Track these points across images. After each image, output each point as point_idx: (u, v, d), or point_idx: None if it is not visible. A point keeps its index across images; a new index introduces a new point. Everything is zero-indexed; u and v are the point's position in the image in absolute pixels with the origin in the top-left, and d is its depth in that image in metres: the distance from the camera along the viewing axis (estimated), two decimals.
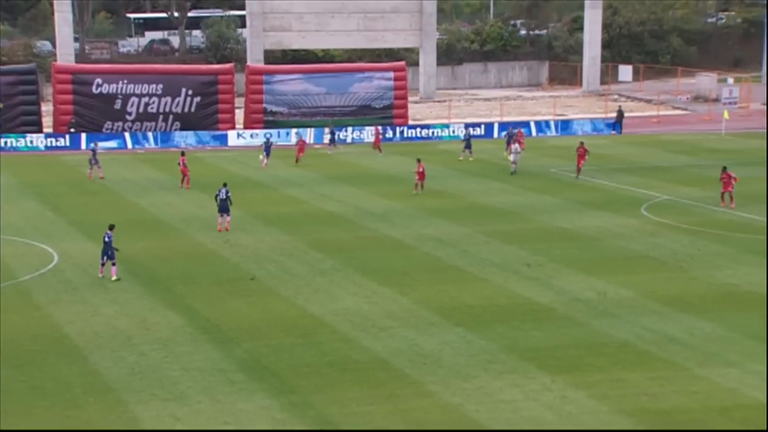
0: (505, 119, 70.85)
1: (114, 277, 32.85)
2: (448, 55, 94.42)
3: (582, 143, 51.95)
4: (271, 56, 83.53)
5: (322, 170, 54.75)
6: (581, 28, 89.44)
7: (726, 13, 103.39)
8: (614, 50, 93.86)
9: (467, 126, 64.51)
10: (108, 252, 33.01)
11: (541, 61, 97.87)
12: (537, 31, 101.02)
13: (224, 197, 39.73)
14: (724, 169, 43.38)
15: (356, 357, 26.20)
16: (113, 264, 33.04)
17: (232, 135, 65.48)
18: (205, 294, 31.76)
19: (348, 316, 29.41)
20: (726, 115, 66.70)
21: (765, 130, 67.08)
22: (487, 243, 37.82)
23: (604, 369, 25.01)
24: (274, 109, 67.15)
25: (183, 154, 51.16)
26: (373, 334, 27.92)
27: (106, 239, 33.12)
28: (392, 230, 40.29)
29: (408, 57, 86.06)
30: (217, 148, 63.85)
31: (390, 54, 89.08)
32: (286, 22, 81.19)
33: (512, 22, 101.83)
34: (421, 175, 47.12)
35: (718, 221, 40.79)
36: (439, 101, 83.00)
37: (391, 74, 69.10)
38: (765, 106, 76.08)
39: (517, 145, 53.77)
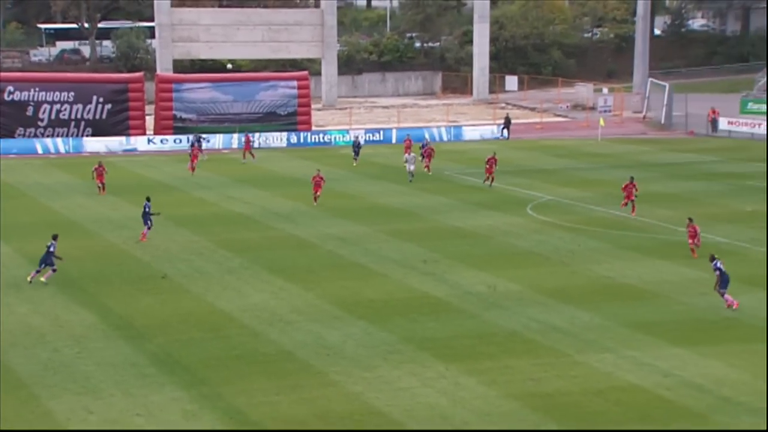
0: (402, 125, 71.19)
1: (43, 280, 31.68)
2: (349, 65, 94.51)
3: (494, 153, 50.53)
4: (180, 65, 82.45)
5: (230, 174, 54.24)
6: (471, 42, 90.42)
7: (600, 29, 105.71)
8: (501, 62, 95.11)
9: (357, 134, 64.49)
10: (48, 260, 31.72)
11: (434, 72, 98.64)
12: (430, 44, 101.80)
13: (147, 210, 37.43)
14: (632, 179, 42.08)
15: (263, 350, 26.02)
16: (53, 270, 31.79)
17: (142, 140, 64.54)
18: (118, 292, 31.15)
19: (256, 312, 29.20)
20: (602, 122, 68.11)
21: (637, 136, 68.87)
22: (387, 241, 37.95)
23: (493, 357, 25.31)
24: (184, 115, 66.37)
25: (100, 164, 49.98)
26: (279, 328, 27.77)
27: (50, 249, 31.76)
28: (297, 230, 40.13)
29: (311, 67, 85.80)
30: (129, 154, 62.74)
31: (294, 64, 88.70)
32: (194, 33, 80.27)
33: (407, 35, 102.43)
34: (317, 186, 44.42)
35: (595, 219, 41.65)
36: (340, 108, 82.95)
37: (295, 83, 68.93)
38: (636, 114, 78.02)
39: (413, 154, 51.78)
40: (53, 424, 21.45)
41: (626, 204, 41.78)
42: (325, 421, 21.61)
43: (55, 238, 32.46)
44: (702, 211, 42.81)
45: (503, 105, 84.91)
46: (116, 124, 64.87)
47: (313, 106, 71.73)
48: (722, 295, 28.65)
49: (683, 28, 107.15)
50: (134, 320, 28.36)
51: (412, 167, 50.40)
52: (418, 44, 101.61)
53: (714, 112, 69.59)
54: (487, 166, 49.35)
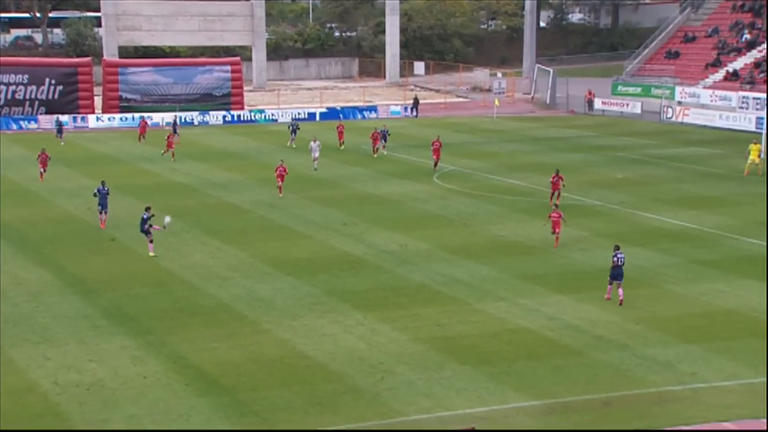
0: (325, 105, 70.71)
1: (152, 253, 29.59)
2: (276, 52, 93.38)
3: (438, 137, 46.33)
4: (124, 51, 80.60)
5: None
6: (383, 31, 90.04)
7: (494, 21, 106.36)
8: (410, 49, 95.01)
9: (294, 116, 63.85)
10: (143, 229, 29.48)
11: (352, 58, 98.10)
12: (348, 33, 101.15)
13: (105, 192, 33.82)
14: (557, 171, 37.26)
15: (203, 303, 25.75)
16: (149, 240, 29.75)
17: (92, 118, 63.17)
18: (71, 253, 30.42)
19: (196, 269, 28.83)
20: (497, 102, 68.66)
21: (527, 114, 69.65)
22: (311, 207, 37.78)
23: (405, 306, 25.48)
24: (129, 96, 65.49)
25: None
26: (217, 283, 27.48)
27: (145, 218, 29.42)
28: (232, 197, 39.66)
29: (243, 53, 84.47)
30: (80, 130, 61.15)
31: (227, 50, 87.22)
32: (137, 23, 78.70)
33: (328, 26, 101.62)
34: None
35: (491, 186, 42.06)
36: (269, 90, 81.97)
37: (229, 68, 68.30)
38: (526, 95, 78.86)
39: (318, 142, 45.89)
40: (15, 370, 20.93)
41: (552, 196, 36.79)
42: (258, 364, 21.53)
43: (148, 209, 30.25)
44: (581, 178, 43.58)
45: (412, 87, 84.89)
46: (67, 103, 63.57)
47: (245, 89, 71.03)
48: (609, 284, 25.69)
49: (564, 21, 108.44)
50: (87, 278, 27.76)
51: (316, 154, 45.51)
52: (337, 34, 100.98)
53: (590, 93, 70.70)
54: (434, 148, 45.20)
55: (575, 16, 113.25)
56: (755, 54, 66.26)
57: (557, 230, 31.10)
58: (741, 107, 60.70)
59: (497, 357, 21.86)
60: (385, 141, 50.45)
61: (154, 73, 66.55)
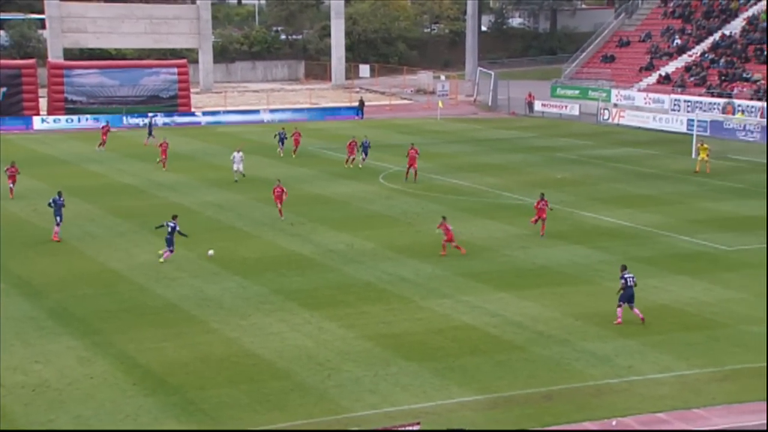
0: (272, 107, 70.29)
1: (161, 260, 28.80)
2: (223, 54, 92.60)
3: (412, 144, 43.99)
4: (70, 54, 79.11)
5: (118, 149, 52.42)
6: (329, 35, 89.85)
7: (437, 25, 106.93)
8: (355, 52, 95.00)
9: (151, 115, 61.06)
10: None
11: (298, 61, 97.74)
12: (294, 36, 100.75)
13: (61, 203, 32.08)
14: (542, 195, 32.96)
15: (151, 303, 25.40)
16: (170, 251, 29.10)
17: (36, 120, 61.91)
18: (17, 255, 29.75)
19: (143, 270, 28.42)
20: (440, 104, 69.03)
21: (469, 116, 70.15)
22: (259, 207, 37.52)
23: (351, 304, 25.45)
24: (74, 98, 64.46)
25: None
26: (165, 284, 27.13)
27: (173, 226, 28.83)
28: (180, 198, 39.19)
29: (189, 56, 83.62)
30: (25, 132, 59.87)
31: (174, 53, 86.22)
32: (82, 25, 77.40)
33: (274, 29, 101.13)
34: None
35: (435, 186, 42.26)
36: (216, 92, 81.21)
37: (175, 70, 67.64)
38: (469, 98, 79.42)
39: (240, 153, 42.97)
40: None
41: (536, 221, 32.77)
42: (206, 363, 21.31)
43: (174, 217, 29.53)
44: (521, 178, 44.05)
45: (358, 89, 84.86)
46: (12, 105, 62.35)
47: (191, 91, 70.31)
48: (618, 306, 23.91)
49: (504, 26, 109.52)
50: (32, 279, 27.17)
51: (240, 166, 42.56)
52: (283, 37, 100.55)
53: (530, 96, 71.51)
54: (409, 158, 42.87)
55: (515, 21, 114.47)
56: (686, 58, 67.73)
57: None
58: (673, 109, 61.98)
59: (442, 353, 21.96)
60: (366, 154, 46.71)
61: (100, 76, 65.65)
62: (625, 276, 23.71)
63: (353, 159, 46.52)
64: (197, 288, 26.74)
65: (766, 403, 19.06)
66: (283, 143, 50.58)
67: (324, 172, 45.90)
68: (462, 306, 25.30)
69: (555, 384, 20.23)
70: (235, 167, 42.69)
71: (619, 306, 23.75)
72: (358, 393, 19.76)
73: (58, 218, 31.87)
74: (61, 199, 32.33)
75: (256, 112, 67.91)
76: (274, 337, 22.89)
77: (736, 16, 69.14)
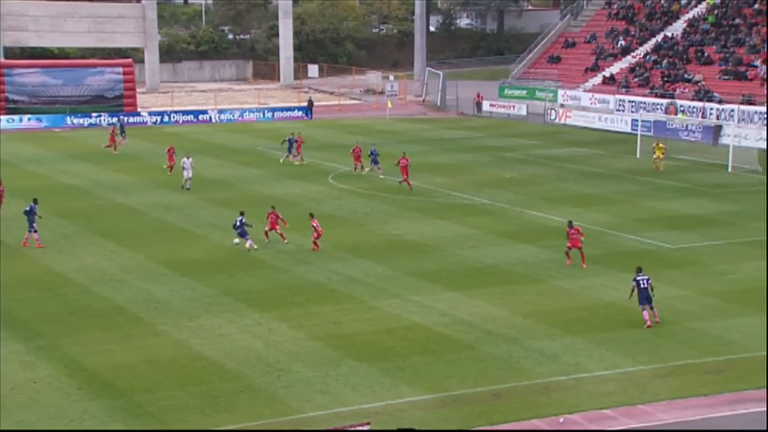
0: (219, 107, 69.71)
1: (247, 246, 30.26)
2: (170, 54, 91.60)
3: (404, 153, 41.78)
4: (10, 52, 77.50)
5: (61, 150, 51.51)
6: (277, 34, 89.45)
7: (385, 25, 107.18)
8: (304, 52, 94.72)
9: (117, 115, 60.58)
10: (242, 231, 30.54)
11: (246, 60, 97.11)
12: (242, 36, 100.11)
13: (35, 212, 31.44)
14: (570, 223, 29.89)
15: (97, 305, 25.00)
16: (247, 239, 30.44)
17: None
18: None
19: (89, 272, 27.97)
20: (389, 104, 69.17)
21: (418, 116, 70.42)
22: (207, 208, 37.20)
23: (301, 305, 25.38)
24: (15, 98, 63.36)
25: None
26: (111, 286, 26.74)
27: (241, 221, 30.55)
28: (126, 199, 38.66)
29: (135, 55, 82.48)
30: None
31: (119, 52, 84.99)
32: (22, 23, 75.95)
33: (221, 28, 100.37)
34: None
35: (384, 187, 42.32)
36: (163, 92, 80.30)
37: (121, 69, 66.78)
38: (417, 98, 79.73)
39: (190, 159, 41.06)
40: None
41: (570, 250, 29.15)
42: (154, 365, 21.06)
43: (242, 214, 30.94)
44: (471, 178, 44.36)
45: (307, 89, 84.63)
46: None
47: (137, 90, 69.41)
48: (642, 309, 23.74)
49: (452, 26, 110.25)
50: None
51: (190, 173, 40.73)
52: (231, 36, 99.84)
53: (479, 96, 72.06)
54: (401, 166, 40.90)
55: (463, 21, 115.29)
56: (629, 59, 68.89)
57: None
58: (618, 109, 63.00)
59: (392, 353, 22.01)
60: (376, 163, 43.36)
61: (43, 75, 64.47)
62: (638, 278, 23.75)
63: (362, 166, 44.46)
64: (144, 290, 26.40)
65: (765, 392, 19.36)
66: (291, 150, 47.47)
67: (273, 172, 45.67)
68: (411, 305, 25.38)
69: (504, 382, 20.43)
70: (185, 174, 40.63)
71: (643, 309, 23.63)
72: (308, 394, 19.71)
73: (29, 227, 30.85)
74: (35, 206, 31.38)
75: (204, 112, 67.28)
76: (223, 339, 22.71)
77: (678, 18, 70.57)
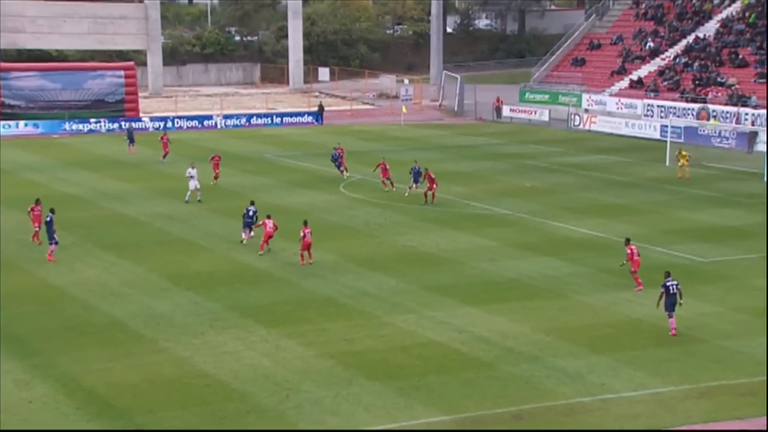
0: (225, 112, 70.02)
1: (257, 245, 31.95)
2: (173, 56, 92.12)
3: (427, 169, 40.67)
4: (6, 55, 78.02)
5: (59, 157, 51.85)
6: (286, 36, 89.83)
7: (400, 26, 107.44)
8: (314, 55, 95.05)
9: (128, 121, 61.45)
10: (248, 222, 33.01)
11: (254, 63, 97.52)
12: (249, 37, 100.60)
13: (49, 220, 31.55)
14: (628, 241, 29.06)
15: (96, 321, 25.10)
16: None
17: None
18: None
19: (88, 286, 28.10)
20: (404, 109, 69.30)
21: (435, 122, 70.50)
22: (212, 218, 37.33)
23: (311, 321, 25.40)
24: (12, 102, 63.73)
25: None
26: (111, 300, 26.85)
27: (250, 213, 33.04)
28: (127, 209, 38.85)
29: (137, 58, 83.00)
30: None
31: (121, 55, 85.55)
32: (19, 24, 76.48)
33: (228, 29, 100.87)
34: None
35: (398, 196, 42.27)
36: (166, 97, 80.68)
37: (122, 73, 67.12)
38: (434, 103, 79.86)
39: (195, 169, 40.53)
40: None
41: (636, 272, 28.32)
42: (156, 384, 21.11)
43: (252, 203, 33.66)
44: (489, 187, 44.34)
45: (317, 94, 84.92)
46: None
47: (140, 95, 69.78)
48: (668, 316, 24.12)
49: (471, 27, 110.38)
50: None
51: (197, 183, 40.21)
52: (237, 38, 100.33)
53: (498, 100, 72.10)
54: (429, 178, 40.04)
55: (482, 22, 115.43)
56: (658, 62, 68.81)
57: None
58: (646, 115, 62.90)
59: (406, 371, 21.98)
60: (417, 182, 40.87)
61: (41, 78, 64.83)
62: (668, 283, 23.93)
63: (392, 182, 42.21)
64: (146, 305, 26.50)
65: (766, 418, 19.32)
66: (339, 166, 45.38)
67: (282, 180, 45.81)
68: (427, 321, 25.35)
69: (525, 403, 20.35)
70: (191, 185, 40.04)
71: (669, 316, 23.94)
72: (318, 414, 19.70)
73: (51, 237, 30.90)
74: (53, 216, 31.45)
75: (209, 117, 67.56)
76: (229, 356, 22.75)
77: (710, 18, 70.43)
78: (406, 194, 41.14)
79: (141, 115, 67.28)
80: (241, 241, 32.86)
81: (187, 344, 23.49)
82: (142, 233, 34.82)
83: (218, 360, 22.53)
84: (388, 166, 43.08)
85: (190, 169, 40.74)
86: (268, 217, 31.90)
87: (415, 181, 41.25)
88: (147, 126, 64.73)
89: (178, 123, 65.72)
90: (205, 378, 21.49)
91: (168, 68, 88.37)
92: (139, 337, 23.93)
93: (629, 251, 28.18)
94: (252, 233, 32.82)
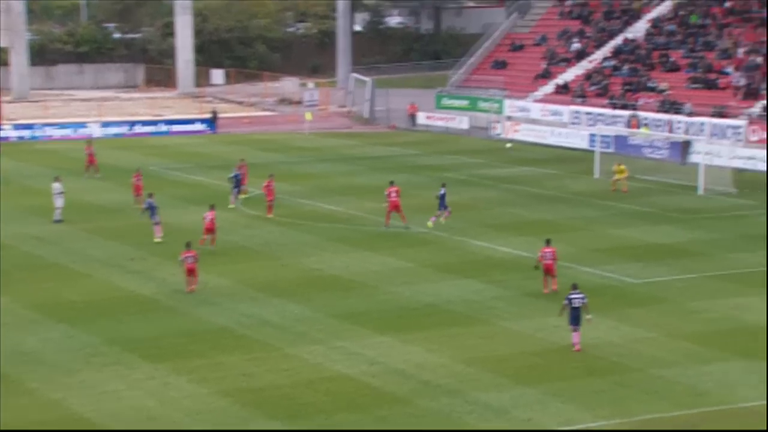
0: (104, 119, 68.82)
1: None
2: (42, 55, 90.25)
3: (391, 182, 40.20)
4: None
5: None
6: (173, 34, 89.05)
7: (303, 24, 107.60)
8: (206, 55, 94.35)
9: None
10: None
11: (136, 64, 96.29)
12: (131, 35, 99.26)
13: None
14: (548, 242, 30.81)
15: None
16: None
17: None
18: None
19: None
20: (309, 116, 69.29)
21: (343, 130, 70.69)
22: (90, 239, 36.63)
23: (204, 354, 25.13)
24: None
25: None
26: None
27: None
28: None
29: None
30: None
31: None
32: None
33: (105, 25, 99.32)
34: None
35: (303, 213, 42.26)
36: (34, 101, 79.00)
37: None
38: (342, 109, 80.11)
39: (61, 183, 39.66)
40: None
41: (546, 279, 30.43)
42: None
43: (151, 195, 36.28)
44: (405, 202, 44.53)
45: (210, 99, 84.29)
46: None
47: (2, 99, 68.08)
48: (572, 330, 25.38)
49: (381, 25, 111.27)
50: None
51: (60, 202, 39.35)
52: (117, 35, 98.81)
53: (413, 107, 72.77)
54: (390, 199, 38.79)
55: (394, 20, 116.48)
56: (585, 65, 70.46)
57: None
58: (573, 123, 64.30)
59: (313, 409, 21.93)
60: (445, 207, 39.01)
61: None
62: (571, 296, 24.96)
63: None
64: (12, 340, 25.82)
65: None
66: (238, 188, 43.33)
67: (169, 196, 45.17)
68: (336, 353, 25.36)
69: None
70: (59, 203, 39.23)
71: (573, 330, 25.07)
72: None
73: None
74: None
75: (83, 125, 66.30)
76: (109, 397, 22.32)
77: (639, 17, 72.52)
78: (430, 224, 38.94)
79: (2, 122, 65.58)
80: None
81: (60, 384, 22.96)
82: (5, 258, 33.92)
83: (96, 401, 22.08)
84: (273, 185, 41.36)
85: (55, 184, 39.79)
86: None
87: (443, 207, 38.76)
88: (9, 135, 63.13)
89: (48, 131, 64.30)
90: (81, 422, 21.06)
91: (36, 69, 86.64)
92: (2, 378, 23.25)
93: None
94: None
